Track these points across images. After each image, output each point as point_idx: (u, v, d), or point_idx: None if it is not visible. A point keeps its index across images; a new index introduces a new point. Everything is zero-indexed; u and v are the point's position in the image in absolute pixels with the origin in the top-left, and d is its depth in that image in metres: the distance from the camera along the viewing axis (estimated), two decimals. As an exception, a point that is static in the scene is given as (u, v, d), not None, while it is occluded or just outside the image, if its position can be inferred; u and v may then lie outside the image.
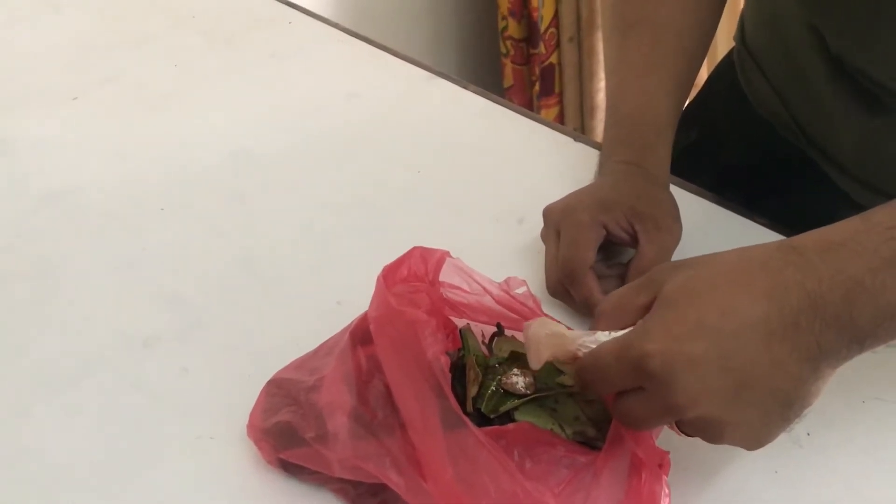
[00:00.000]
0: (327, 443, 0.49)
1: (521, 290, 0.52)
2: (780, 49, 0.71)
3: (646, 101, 0.65)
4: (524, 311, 0.52)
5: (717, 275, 0.44)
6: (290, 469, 0.52)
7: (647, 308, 0.45)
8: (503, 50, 1.68)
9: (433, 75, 0.85)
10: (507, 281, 0.53)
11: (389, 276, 0.51)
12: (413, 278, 0.51)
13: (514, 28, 1.64)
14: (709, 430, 0.44)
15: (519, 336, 0.52)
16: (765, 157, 0.76)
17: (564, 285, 0.59)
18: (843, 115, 0.66)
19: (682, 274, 0.45)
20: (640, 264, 0.59)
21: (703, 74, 1.79)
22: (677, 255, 0.66)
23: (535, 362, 0.48)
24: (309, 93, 0.84)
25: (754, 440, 0.45)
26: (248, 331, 0.61)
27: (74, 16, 0.96)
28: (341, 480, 0.49)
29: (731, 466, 0.51)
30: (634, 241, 0.60)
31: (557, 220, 0.61)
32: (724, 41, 1.66)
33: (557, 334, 0.47)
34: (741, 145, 0.78)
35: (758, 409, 0.43)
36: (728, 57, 0.81)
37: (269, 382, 0.54)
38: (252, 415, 0.53)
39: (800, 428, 0.52)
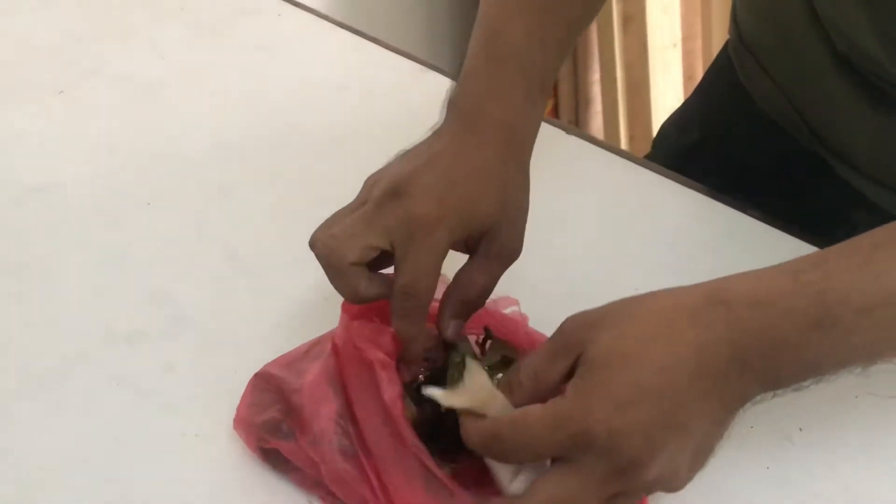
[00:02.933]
0: (314, 445, 0.49)
1: (509, 310, 0.51)
2: (781, 44, 0.69)
3: (535, 45, 0.53)
4: (509, 325, 0.51)
5: (644, 330, 0.43)
6: (279, 465, 0.51)
7: (567, 375, 0.43)
8: (496, 41, 1.67)
9: (425, 68, 0.84)
10: (496, 302, 0.52)
11: (350, 306, 0.50)
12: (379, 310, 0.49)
13: (507, 19, 1.63)
14: (657, 488, 0.44)
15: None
16: (772, 157, 0.74)
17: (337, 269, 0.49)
18: (854, 113, 0.64)
19: (605, 333, 0.43)
20: (467, 294, 0.49)
21: (699, 71, 1.79)
22: (671, 248, 0.66)
23: (455, 401, 0.45)
24: (298, 85, 0.83)
25: (680, 486, 0.45)
26: (234, 327, 0.60)
27: (60, 7, 0.95)
28: (329, 491, 0.49)
29: (721, 462, 0.50)
30: (465, 251, 0.50)
31: (405, 220, 0.47)
32: (717, 33, 1.66)
33: (485, 388, 0.45)
34: (746, 145, 0.76)
35: (695, 459, 0.44)
36: (724, 52, 0.78)
37: (257, 376, 0.53)
38: (239, 408, 0.52)
39: (791, 424, 0.52)
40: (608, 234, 0.67)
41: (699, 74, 1.69)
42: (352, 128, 0.78)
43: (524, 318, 0.52)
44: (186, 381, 0.57)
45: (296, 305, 0.61)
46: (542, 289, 0.60)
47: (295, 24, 0.91)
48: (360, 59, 0.86)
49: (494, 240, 0.50)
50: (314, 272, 0.64)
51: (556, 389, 0.44)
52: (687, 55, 1.66)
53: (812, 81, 0.66)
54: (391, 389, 0.46)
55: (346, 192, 0.72)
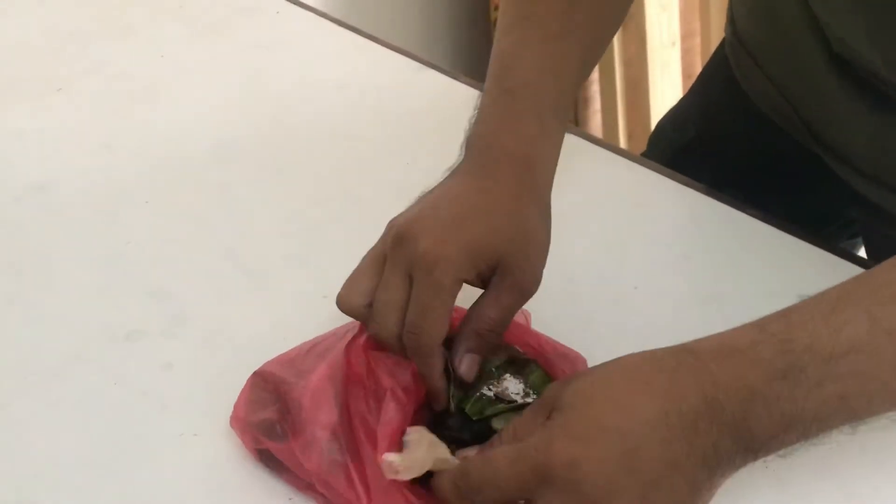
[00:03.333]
0: (305, 449, 0.49)
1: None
2: (777, 42, 0.68)
3: (548, 73, 0.53)
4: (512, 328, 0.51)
5: (612, 376, 0.43)
6: (272, 465, 0.51)
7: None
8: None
9: (424, 66, 0.84)
10: None
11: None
12: None
13: (506, 18, 1.63)
14: None
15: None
16: (768, 154, 0.73)
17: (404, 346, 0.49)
18: (851, 111, 0.63)
19: (576, 382, 0.44)
20: (479, 326, 0.49)
21: (698, 69, 1.78)
22: (669, 247, 0.66)
23: (418, 471, 0.46)
24: (297, 84, 0.83)
25: None
26: (233, 326, 0.60)
27: (59, 5, 0.95)
28: (320, 492, 0.49)
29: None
30: (482, 285, 0.50)
31: (411, 262, 0.48)
32: (716, 31, 1.66)
33: (437, 445, 0.46)
34: (742, 142, 0.75)
35: None
36: (720, 49, 0.78)
37: (256, 374, 0.53)
38: (236, 406, 0.52)
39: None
40: (608, 231, 0.67)
41: (698, 73, 1.69)
42: (351, 126, 0.78)
43: (527, 314, 0.52)
44: (185, 381, 0.57)
45: (295, 304, 0.61)
46: (542, 286, 0.60)
47: (294, 22, 0.91)
48: (360, 57, 0.86)
49: (506, 274, 0.49)
50: (313, 271, 0.64)
51: None
52: (686, 53, 1.66)
53: (808, 80, 0.66)
54: (390, 422, 0.46)
55: (345, 189, 0.72)
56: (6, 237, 0.69)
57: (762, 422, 0.42)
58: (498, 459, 0.43)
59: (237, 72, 0.85)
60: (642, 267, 0.64)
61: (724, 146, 0.77)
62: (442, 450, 0.47)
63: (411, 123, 0.78)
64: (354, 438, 0.48)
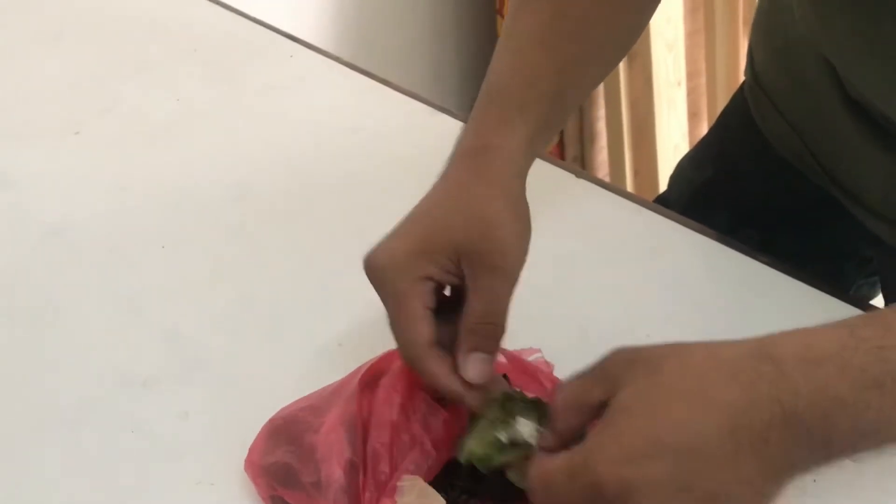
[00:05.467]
0: (320, 489, 0.49)
1: (533, 358, 0.51)
2: (794, 85, 0.69)
3: (520, 74, 0.53)
4: (537, 375, 0.51)
5: (679, 382, 0.41)
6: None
7: (602, 405, 0.42)
8: (503, 78, 1.68)
9: (435, 110, 0.85)
10: (520, 352, 0.52)
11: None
12: None
13: (513, 57, 1.65)
14: None
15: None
16: (784, 195, 0.74)
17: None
18: (866, 155, 0.64)
19: (640, 380, 0.42)
20: (468, 322, 0.49)
21: (703, 108, 1.80)
22: (680, 293, 0.66)
23: None
24: (310, 127, 0.84)
25: None
26: (249, 372, 0.61)
27: (75, 48, 0.96)
28: None
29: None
30: (462, 282, 0.50)
31: (377, 285, 0.50)
32: (722, 71, 1.67)
33: (428, 496, 0.46)
34: (759, 182, 0.76)
35: None
36: (740, 92, 0.79)
37: (272, 421, 0.53)
38: (251, 450, 0.52)
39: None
40: (620, 278, 0.67)
41: (704, 111, 1.71)
42: (364, 170, 0.78)
43: (549, 366, 0.52)
44: (201, 427, 0.57)
45: (311, 350, 0.61)
46: (555, 333, 0.60)
47: (307, 65, 0.92)
48: (372, 100, 0.87)
49: (472, 262, 0.49)
50: (329, 316, 0.65)
51: (589, 415, 0.43)
52: (691, 92, 1.67)
53: (825, 124, 0.67)
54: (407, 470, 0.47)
55: (358, 233, 0.73)
56: (22, 281, 0.69)
57: (844, 432, 0.40)
58: (554, 475, 0.42)
59: (252, 114, 0.86)
60: (654, 314, 0.64)
61: (742, 186, 0.78)
62: (434, 500, 0.46)
63: (424, 167, 0.78)
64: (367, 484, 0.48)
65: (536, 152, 0.54)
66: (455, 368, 0.48)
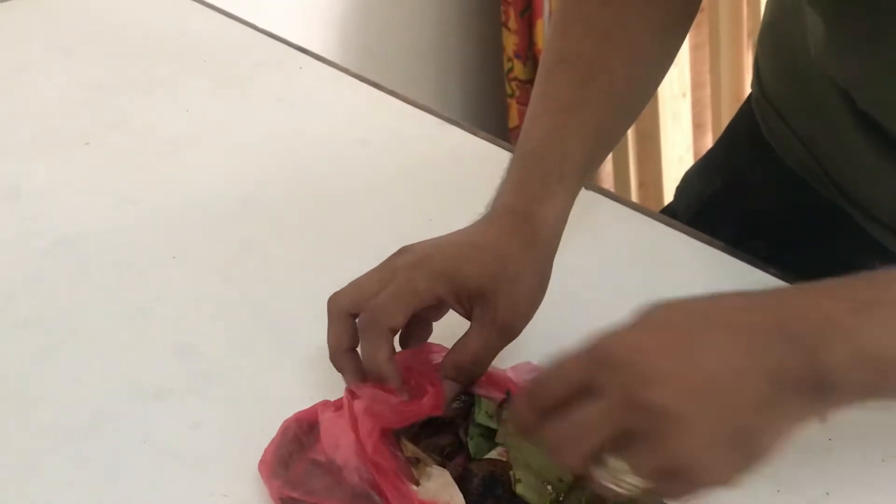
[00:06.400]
0: (334, 494, 0.49)
1: (531, 375, 0.52)
2: (802, 99, 0.69)
3: (556, 140, 0.57)
4: None
5: (685, 302, 0.44)
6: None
7: (583, 389, 0.43)
8: (509, 91, 1.70)
9: (443, 121, 0.85)
10: (515, 368, 0.53)
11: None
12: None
13: (519, 70, 1.66)
14: (662, 426, 0.40)
15: None
16: (793, 207, 0.74)
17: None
18: (875, 168, 0.64)
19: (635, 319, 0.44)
20: (458, 358, 0.52)
21: (708, 120, 1.80)
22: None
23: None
24: (319, 139, 0.84)
25: (711, 465, 0.41)
26: (262, 383, 0.61)
27: (85, 60, 0.96)
28: None
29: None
30: (466, 316, 0.54)
31: (400, 264, 0.53)
32: (726, 82, 1.68)
33: (453, 490, 0.47)
34: (767, 194, 0.76)
35: (721, 421, 0.40)
36: (747, 103, 0.79)
37: (288, 420, 0.54)
38: (266, 451, 0.53)
39: (818, 488, 0.52)
40: (626, 289, 0.67)
41: (708, 123, 1.71)
42: (373, 181, 0.79)
43: None
44: (214, 439, 0.57)
45: (322, 360, 0.61)
46: (560, 344, 0.60)
47: (317, 77, 0.92)
48: (381, 112, 0.87)
49: (487, 309, 0.52)
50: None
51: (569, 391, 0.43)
52: (696, 104, 1.68)
53: (834, 136, 0.67)
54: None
55: (368, 244, 0.73)
56: (33, 293, 0.69)
57: (836, 355, 0.40)
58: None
59: (261, 126, 0.86)
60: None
61: (749, 197, 0.78)
62: (455, 495, 0.47)
63: (432, 179, 0.79)
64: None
65: (569, 209, 0.58)
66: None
